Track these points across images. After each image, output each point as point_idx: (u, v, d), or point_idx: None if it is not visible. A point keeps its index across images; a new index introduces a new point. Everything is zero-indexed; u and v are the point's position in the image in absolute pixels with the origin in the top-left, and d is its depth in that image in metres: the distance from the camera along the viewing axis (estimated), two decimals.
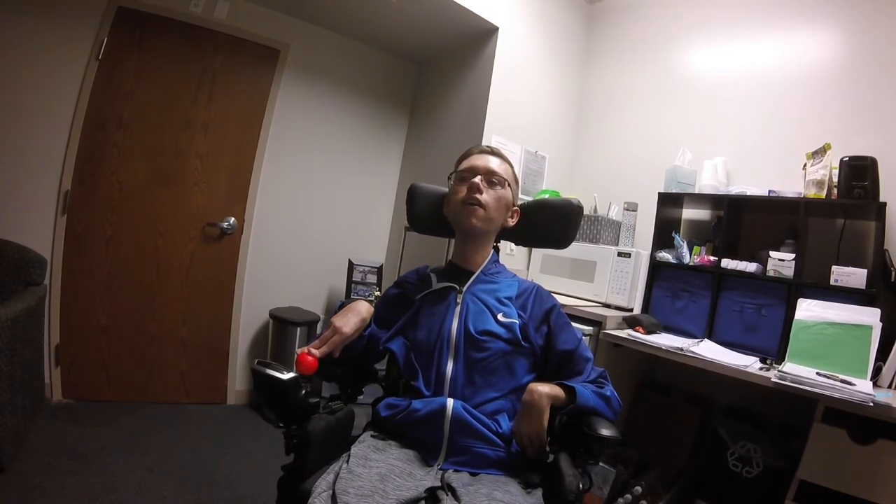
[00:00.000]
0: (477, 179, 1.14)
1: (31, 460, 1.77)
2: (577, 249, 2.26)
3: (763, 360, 1.60)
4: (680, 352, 1.65)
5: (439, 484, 0.88)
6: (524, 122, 2.57)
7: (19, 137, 2.13)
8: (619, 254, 2.12)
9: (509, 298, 1.15)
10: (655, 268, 2.07)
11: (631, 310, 2.07)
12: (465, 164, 1.20)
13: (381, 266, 2.93)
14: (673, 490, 1.77)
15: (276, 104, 2.71)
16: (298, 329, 2.60)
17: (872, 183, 1.60)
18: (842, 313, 1.54)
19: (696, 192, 2.09)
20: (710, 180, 2.07)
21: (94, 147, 2.28)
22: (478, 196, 1.13)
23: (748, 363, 1.58)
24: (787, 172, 1.91)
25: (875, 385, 1.39)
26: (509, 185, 1.20)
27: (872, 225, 1.70)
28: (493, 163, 1.19)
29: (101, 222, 2.34)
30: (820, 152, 1.72)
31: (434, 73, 3.05)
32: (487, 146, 1.24)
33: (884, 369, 1.45)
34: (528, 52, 2.58)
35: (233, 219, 2.62)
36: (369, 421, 1.12)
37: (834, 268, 1.62)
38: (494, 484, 0.92)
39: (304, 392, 1.00)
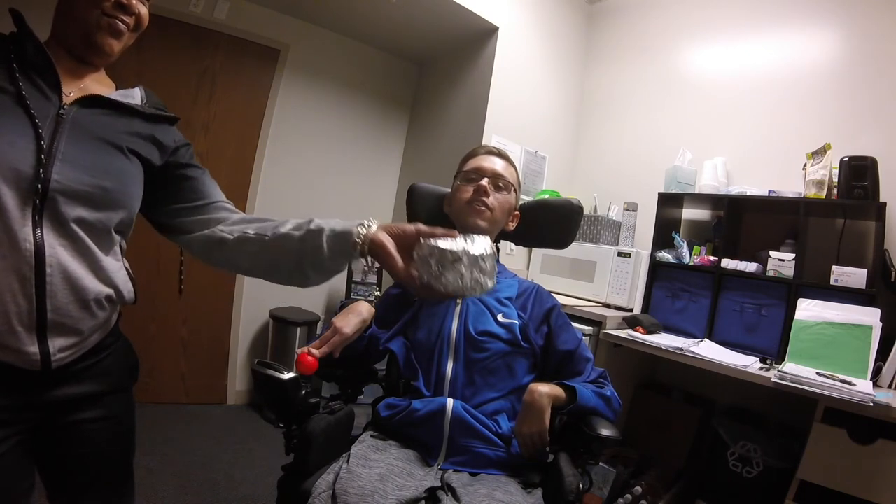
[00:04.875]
0: (484, 182, 1.14)
1: None
2: (577, 249, 2.26)
3: (763, 360, 1.61)
4: (680, 352, 1.65)
5: (439, 484, 0.89)
6: (524, 122, 2.57)
7: None
8: (619, 254, 2.11)
9: (509, 299, 1.15)
10: (655, 268, 2.07)
11: (631, 310, 2.07)
12: (471, 165, 1.20)
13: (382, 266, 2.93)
14: (673, 490, 1.77)
15: (276, 104, 2.71)
16: (298, 329, 2.60)
17: (872, 183, 1.60)
18: (842, 313, 1.54)
19: (696, 192, 2.09)
20: (710, 180, 2.07)
21: None
22: (485, 199, 1.13)
23: (748, 363, 1.58)
24: (787, 172, 1.91)
25: (875, 385, 1.39)
26: (514, 189, 1.20)
27: (872, 225, 1.70)
28: (500, 165, 1.19)
29: None
30: (820, 152, 1.72)
31: (434, 73, 3.05)
32: (494, 147, 1.23)
33: (884, 369, 1.45)
34: (528, 53, 2.57)
35: None
36: (369, 421, 1.12)
37: (834, 268, 1.62)
38: (494, 484, 0.92)
39: (304, 392, 1.00)
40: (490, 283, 0.69)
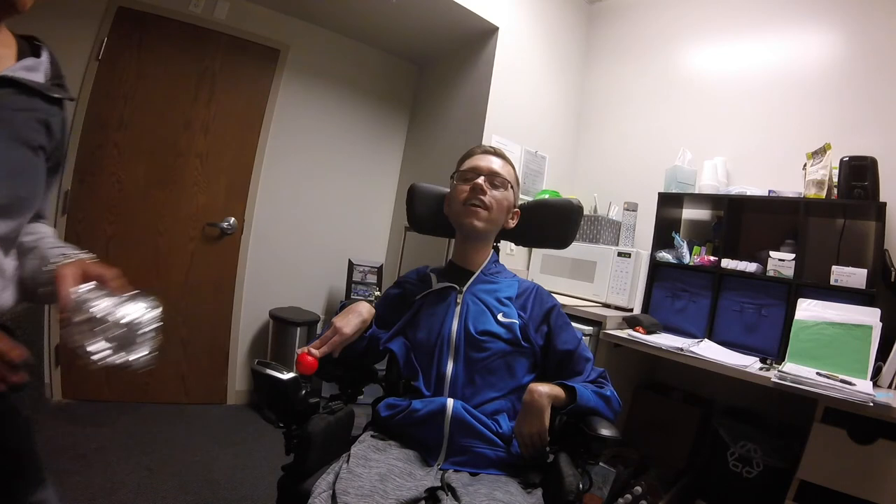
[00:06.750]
0: (480, 180, 1.14)
1: None
2: (577, 249, 2.26)
3: (763, 360, 1.60)
4: (680, 352, 1.65)
5: (439, 484, 0.89)
6: (524, 122, 2.57)
7: None
8: (619, 254, 2.12)
9: (509, 298, 1.15)
10: (655, 268, 2.07)
11: (631, 310, 2.07)
12: (467, 165, 1.20)
13: (381, 266, 2.93)
14: (673, 490, 1.77)
15: (276, 104, 2.71)
16: (298, 329, 2.60)
17: (872, 183, 1.60)
18: (842, 313, 1.54)
19: (696, 192, 2.09)
20: (710, 180, 2.07)
21: (94, 147, 2.27)
22: (481, 197, 1.13)
23: (748, 363, 1.58)
24: (787, 172, 1.91)
25: (875, 385, 1.39)
26: (511, 186, 1.20)
27: (872, 225, 1.70)
28: (496, 164, 1.19)
29: (101, 222, 2.34)
30: (820, 152, 1.72)
31: (434, 73, 3.05)
32: (490, 146, 1.24)
33: (884, 369, 1.45)
34: (528, 52, 2.57)
35: (233, 219, 2.62)
36: (369, 421, 1.12)
37: (834, 268, 1.62)
38: (494, 484, 0.92)
39: (304, 392, 1.00)
40: (131, 358, 0.62)
